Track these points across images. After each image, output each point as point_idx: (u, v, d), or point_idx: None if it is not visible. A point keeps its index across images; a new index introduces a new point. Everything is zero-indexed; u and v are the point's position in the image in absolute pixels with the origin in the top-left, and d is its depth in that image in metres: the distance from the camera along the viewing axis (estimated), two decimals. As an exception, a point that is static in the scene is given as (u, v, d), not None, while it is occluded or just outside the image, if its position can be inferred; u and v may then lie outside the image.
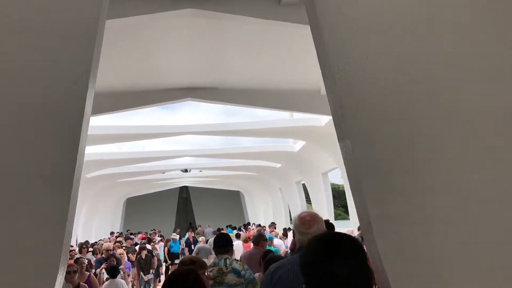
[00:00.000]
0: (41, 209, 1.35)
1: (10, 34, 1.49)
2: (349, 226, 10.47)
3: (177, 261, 12.95)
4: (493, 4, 1.54)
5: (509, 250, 1.29)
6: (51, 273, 1.29)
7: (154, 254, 10.31)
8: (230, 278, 3.12)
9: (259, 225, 17.13)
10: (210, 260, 7.94)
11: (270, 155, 14.86)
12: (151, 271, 9.47)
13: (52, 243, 1.32)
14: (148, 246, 10.68)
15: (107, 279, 6.28)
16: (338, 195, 24.31)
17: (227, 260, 3.28)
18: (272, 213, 20.76)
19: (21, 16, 1.51)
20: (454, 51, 1.49)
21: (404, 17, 1.53)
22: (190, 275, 2.01)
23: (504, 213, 1.32)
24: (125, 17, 4.07)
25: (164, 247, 13.13)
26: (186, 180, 26.73)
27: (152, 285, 9.66)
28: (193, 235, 16.74)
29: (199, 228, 20.06)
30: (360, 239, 6.52)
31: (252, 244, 6.86)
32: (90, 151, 11.77)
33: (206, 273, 2.57)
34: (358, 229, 7.28)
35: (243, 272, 3.18)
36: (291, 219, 17.80)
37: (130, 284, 8.51)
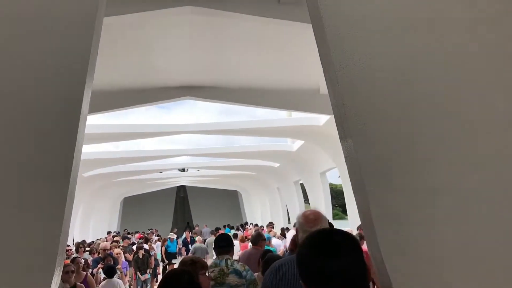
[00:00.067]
0: (37, 208, 1.33)
1: (4, 30, 1.46)
2: (347, 226, 10.48)
3: (174, 261, 12.96)
4: (494, 3, 1.53)
5: (510, 250, 1.28)
6: (47, 273, 1.27)
7: (151, 253, 10.29)
8: (232, 279, 3.11)
9: (256, 225, 17.14)
10: (206, 260, 7.91)
11: (268, 154, 14.86)
12: (148, 271, 9.44)
13: (48, 243, 1.30)
14: (146, 246, 10.65)
15: (104, 279, 6.25)
16: (335, 195, 24.38)
17: (228, 260, 3.26)
18: (270, 213, 20.77)
19: (17, 12, 1.49)
20: (456, 51, 1.48)
21: (406, 15, 1.51)
22: (185, 276, 2.00)
23: (505, 213, 1.31)
24: (124, 14, 4.04)
25: (162, 246, 13.12)
26: (184, 180, 26.72)
27: (149, 285, 9.63)
28: (190, 234, 16.74)
29: (197, 228, 20.05)
30: (358, 237, 6.53)
31: (249, 244, 6.85)
32: (87, 150, 11.73)
33: (207, 274, 2.55)
34: (357, 229, 7.28)
35: (244, 273, 3.17)
36: (289, 219, 17.83)
37: (127, 284, 8.48)
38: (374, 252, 1.37)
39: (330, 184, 14.70)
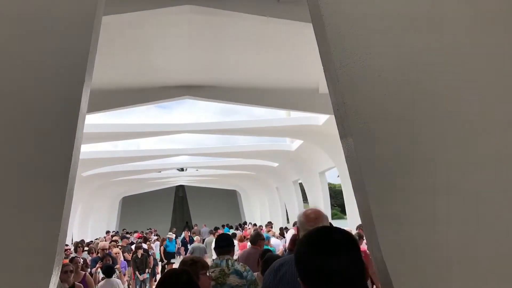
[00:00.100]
0: (36, 207, 1.32)
1: (2, 29, 1.45)
2: (345, 226, 10.48)
3: (173, 260, 12.95)
4: (496, 3, 1.52)
5: (510, 250, 1.28)
6: (45, 273, 1.25)
7: (150, 253, 10.27)
8: (232, 279, 3.10)
9: (255, 225, 17.13)
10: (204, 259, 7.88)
11: (267, 154, 14.85)
12: (146, 270, 9.43)
13: (46, 242, 1.29)
14: (144, 245, 10.64)
15: (102, 279, 6.23)
16: (334, 194, 24.39)
17: (229, 261, 3.25)
18: (268, 212, 20.76)
19: (15, 11, 1.48)
20: (457, 49, 1.47)
21: (407, 14, 1.51)
22: (183, 276, 1.99)
23: (505, 213, 1.31)
24: (123, 13, 4.02)
25: (160, 246, 13.10)
26: (182, 179, 26.69)
27: (147, 284, 9.62)
28: (189, 234, 16.73)
29: (195, 228, 20.03)
30: (357, 237, 6.53)
31: (248, 244, 6.84)
32: (86, 150, 11.71)
33: (207, 273, 2.54)
34: (356, 229, 7.28)
35: (245, 274, 3.16)
36: (288, 219, 17.83)
37: (126, 283, 8.47)
38: (374, 251, 1.37)
39: (329, 184, 14.70)
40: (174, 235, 14.28)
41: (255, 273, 3.51)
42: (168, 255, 12.85)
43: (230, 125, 11.27)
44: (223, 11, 4.20)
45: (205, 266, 2.56)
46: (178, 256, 14.82)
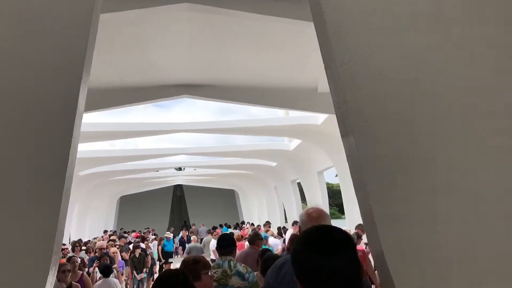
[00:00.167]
0: (32, 206, 1.30)
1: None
2: (344, 225, 10.48)
3: (171, 260, 12.93)
4: (497, 1, 1.51)
5: (510, 250, 1.27)
6: (41, 273, 1.23)
7: (148, 252, 10.25)
8: (235, 281, 3.08)
9: (252, 224, 17.13)
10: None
11: (265, 153, 14.83)
12: (144, 270, 9.41)
13: (43, 242, 1.27)
14: (142, 245, 10.61)
15: (100, 278, 6.21)
16: (332, 194, 24.43)
17: (231, 262, 3.23)
18: (267, 212, 20.76)
19: (11, 8, 1.46)
20: (458, 47, 1.46)
21: (409, 11, 1.50)
22: (179, 276, 1.99)
23: (506, 213, 1.30)
24: (121, 11, 4.00)
25: (158, 245, 13.07)
26: (180, 179, 26.65)
27: (145, 284, 9.59)
28: (187, 233, 16.70)
29: (193, 227, 20.02)
30: (355, 237, 6.53)
31: (246, 243, 6.83)
32: (83, 149, 11.67)
33: (209, 273, 2.52)
34: (355, 228, 7.28)
35: (247, 275, 3.15)
36: (286, 218, 17.83)
37: (124, 283, 8.44)
38: (375, 251, 1.36)
39: (327, 184, 14.69)
40: (172, 235, 14.25)
41: (255, 273, 3.49)
42: (166, 255, 12.83)
43: (228, 125, 11.25)
44: (221, 9, 4.18)
45: (207, 265, 2.55)
46: (176, 256, 14.81)
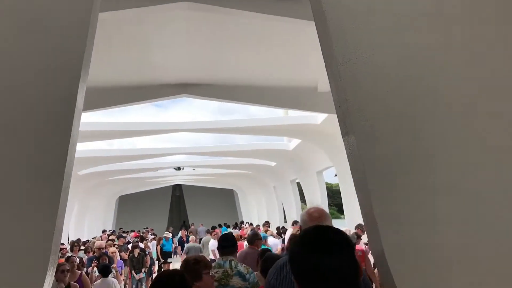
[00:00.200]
0: (30, 206, 1.28)
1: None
2: (343, 225, 10.48)
3: (170, 260, 12.91)
4: (497, 2, 1.51)
5: (511, 250, 1.27)
6: (39, 274, 1.22)
7: (146, 252, 10.23)
8: (236, 281, 3.08)
9: (251, 224, 17.12)
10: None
11: (264, 153, 14.82)
12: (143, 270, 9.38)
13: (41, 241, 1.26)
14: (141, 245, 10.59)
15: (98, 278, 6.19)
16: (331, 194, 24.44)
17: (232, 262, 3.22)
18: (266, 212, 20.75)
19: (10, 7, 1.45)
20: (460, 46, 1.45)
21: (410, 9, 1.49)
22: (176, 277, 2.01)
23: (506, 213, 1.30)
24: (120, 10, 3.98)
25: (157, 245, 13.05)
26: (179, 178, 26.63)
27: (144, 284, 9.57)
28: (186, 233, 16.68)
29: (192, 227, 20.00)
30: (355, 237, 6.52)
31: (245, 243, 6.82)
32: (82, 148, 11.65)
33: (210, 273, 2.52)
34: (355, 228, 7.28)
35: (247, 276, 3.14)
36: (285, 218, 17.82)
37: (123, 283, 8.42)
38: (376, 250, 1.36)
39: (326, 184, 14.69)
40: (170, 234, 14.22)
41: (255, 273, 3.48)
42: (165, 255, 12.81)
43: (227, 124, 11.24)
44: (221, 8, 4.16)
45: (208, 265, 2.54)
46: (175, 256, 14.78)
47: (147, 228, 19.85)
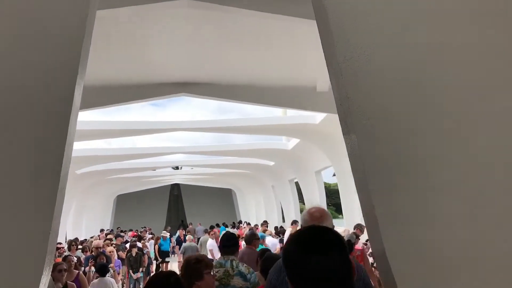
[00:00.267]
0: (26, 205, 1.26)
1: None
2: (341, 225, 10.48)
3: (168, 259, 12.88)
4: (497, 2, 1.49)
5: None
6: (34, 274, 1.20)
7: (144, 252, 10.20)
8: (236, 281, 3.07)
9: (249, 224, 17.11)
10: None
11: (263, 153, 14.82)
12: (140, 269, 9.36)
13: (37, 241, 1.24)
14: (139, 244, 10.56)
15: (96, 277, 6.16)
16: (329, 193, 24.45)
17: (233, 262, 3.22)
18: (264, 211, 20.75)
19: (7, 4, 1.43)
20: (461, 44, 1.44)
21: (412, 7, 1.48)
22: (171, 278, 2.03)
23: (509, 212, 1.29)
24: (118, 7, 3.95)
25: (155, 245, 13.02)
26: (177, 178, 26.61)
27: (142, 283, 9.54)
28: (184, 233, 16.65)
29: (190, 226, 19.97)
30: (354, 236, 6.51)
31: (242, 243, 6.80)
32: (80, 147, 11.61)
33: (212, 273, 2.51)
34: (354, 228, 7.28)
35: (248, 276, 3.14)
36: (283, 218, 17.82)
37: (120, 282, 8.39)
38: (377, 250, 1.35)
39: (324, 183, 14.70)
40: (168, 234, 14.19)
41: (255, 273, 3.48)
42: (163, 254, 12.78)
43: (225, 123, 11.22)
44: (220, 6, 4.14)
45: (209, 265, 2.55)
46: (173, 255, 14.75)
47: (145, 227, 19.83)
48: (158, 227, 22.54)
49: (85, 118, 9.44)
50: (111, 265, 7.52)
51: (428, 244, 1.27)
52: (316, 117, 9.38)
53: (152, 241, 13.46)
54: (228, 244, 3.35)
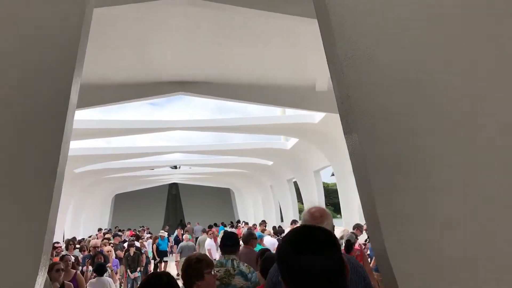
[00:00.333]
0: (21, 204, 1.24)
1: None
2: (340, 225, 10.48)
3: (166, 259, 12.86)
4: (497, 1, 1.48)
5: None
6: (30, 275, 1.18)
7: (142, 251, 10.17)
8: (237, 280, 3.06)
9: (247, 224, 17.11)
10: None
11: (261, 152, 14.81)
12: (138, 269, 9.33)
13: (32, 241, 1.22)
14: (137, 243, 10.54)
15: (94, 277, 6.13)
16: (328, 193, 24.46)
17: (234, 261, 3.21)
18: (262, 211, 20.75)
19: (3, 2, 1.40)
20: (463, 43, 1.43)
21: (413, 5, 1.46)
22: (163, 278, 2.06)
23: (510, 212, 1.28)
24: (116, 5, 3.92)
25: (153, 244, 13.00)
26: (176, 177, 26.58)
27: (139, 283, 9.52)
28: (182, 232, 16.63)
29: (189, 226, 19.95)
30: (353, 236, 6.51)
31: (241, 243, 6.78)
32: (78, 146, 11.57)
33: (212, 272, 2.50)
34: (353, 228, 7.27)
35: (249, 275, 3.13)
36: (282, 217, 17.82)
37: (118, 282, 8.36)
38: (378, 250, 1.34)
39: (322, 183, 14.70)
40: (166, 233, 14.17)
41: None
42: (161, 253, 12.77)
43: (224, 123, 11.20)
44: (220, 4, 4.12)
45: (210, 264, 2.53)
46: (171, 255, 14.73)
47: (143, 226, 19.79)
48: (156, 226, 22.55)
49: (83, 117, 9.41)
50: (109, 264, 7.49)
51: (428, 244, 1.26)
52: (315, 117, 9.38)
53: (150, 241, 13.44)
54: (228, 243, 3.34)
